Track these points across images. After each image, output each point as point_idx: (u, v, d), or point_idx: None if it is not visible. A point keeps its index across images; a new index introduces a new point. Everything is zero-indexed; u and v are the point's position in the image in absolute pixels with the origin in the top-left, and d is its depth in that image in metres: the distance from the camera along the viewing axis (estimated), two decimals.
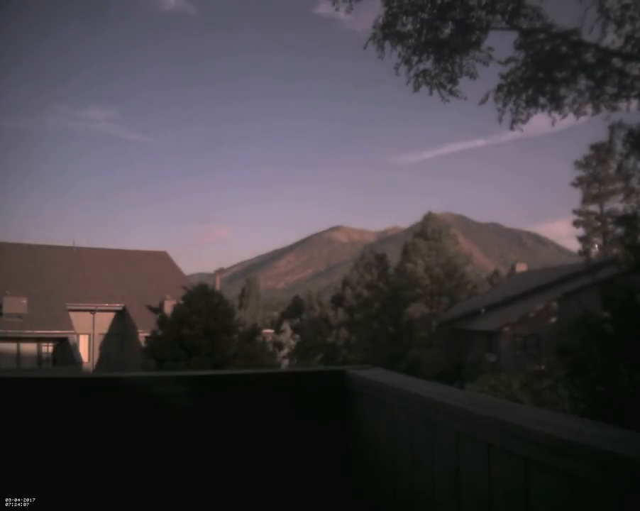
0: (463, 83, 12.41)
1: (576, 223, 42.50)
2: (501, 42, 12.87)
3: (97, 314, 33.12)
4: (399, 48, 12.14)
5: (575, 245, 45.72)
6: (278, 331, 43.23)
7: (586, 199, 41.74)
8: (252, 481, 2.33)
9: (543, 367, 21.51)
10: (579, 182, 41.74)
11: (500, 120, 12.43)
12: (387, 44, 12.10)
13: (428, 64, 12.31)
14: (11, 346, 28.24)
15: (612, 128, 13.47)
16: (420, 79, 12.27)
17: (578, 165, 41.28)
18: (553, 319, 28.52)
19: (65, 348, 28.73)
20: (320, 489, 2.38)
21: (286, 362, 36.47)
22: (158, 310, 30.25)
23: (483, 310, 32.88)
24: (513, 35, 12.30)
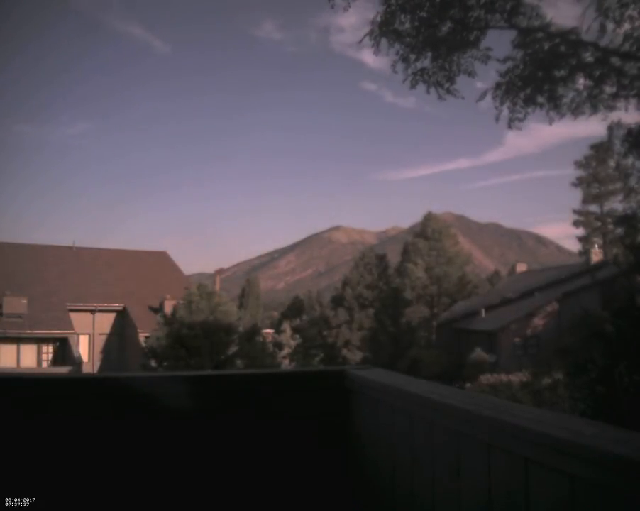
0: (461, 83, 12.42)
1: (576, 223, 42.55)
2: (500, 41, 12.88)
3: (97, 314, 33.12)
4: (396, 46, 12.14)
5: (575, 245, 45.64)
6: (278, 331, 43.19)
7: (586, 199, 41.78)
8: (252, 481, 2.33)
9: (543, 367, 21.52)
10: (579, 182, 41.79)
11: (497, 118, 12.44)
12: (384, 41, 12.10)
13: (425, 63, 12.31)
14: (11, 346, 28.24)
15: (611, 128, 13.47)
16: (417, 77, 12.26)
17: (578, 165, 41.35)
18: (553, 319, 28.54)
19: (65, 348, 28.74)
20: (320, 489, 2.38)
21: (286, 362, 36.45)
22: (158, 310, 30.25)
23: (483, 310, 32.89)
24: (511, 34, 12.31)
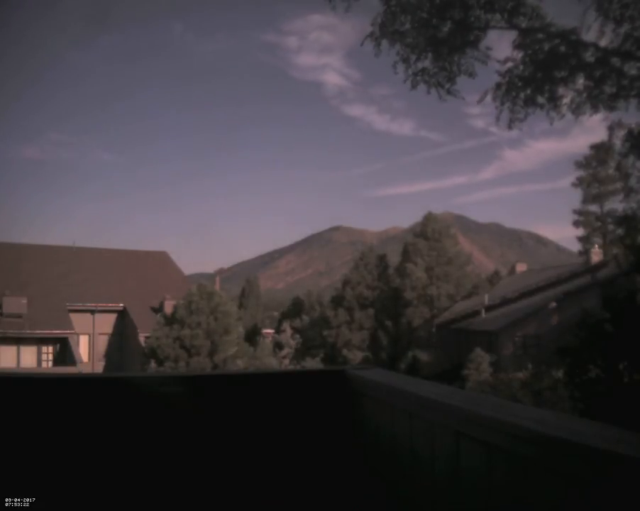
0: (462, 84, 12.44)
1: (576, 223, 42.55)
2: (500, 42, 12.90)
3: (97, 314, 33.13)
4: (397, 47, 12.17)
5: (575, 246, 45.67)
6: (278, 331, 43.21)
7: (586, 199, 41.78)
8: (251, 481, 2.33)
9: (543, 367, 21.53)
10: (579, 182, 41.79)
11: (498, 119, 12.46)
12: (385, 42, 12.11)
13: (426, 63, 12.33)
14: (11, 346, 28.25)
15: (611, 128, 13.49)
16: (418, 78, 12.29)
17: (578, 165, 41.35)
18: (553, 319, 28.54)
19: (65, 348, 28.75)
20: (319, 489, 2.38)
21: (286, 362, 36.45)
22: (158, 310, 30.27)
23: (483, 310, 32.90)
24: (512, 35, 12.32)
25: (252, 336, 27.40)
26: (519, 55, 12.29)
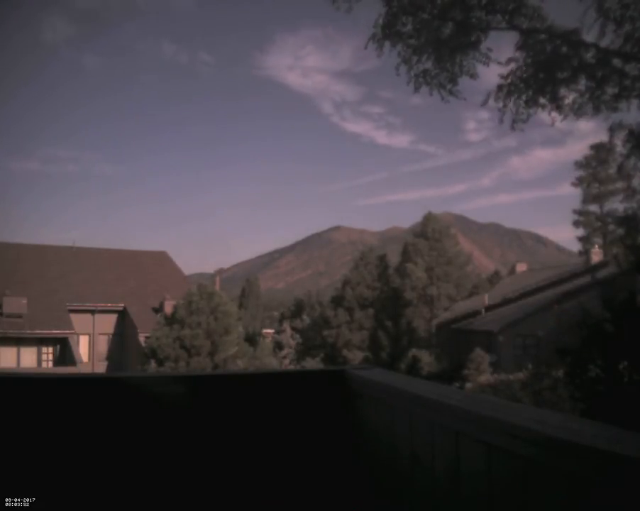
0: (464, 85, 12.44)
1: (576, 224, 42.55)
2: (502, 43, 12.90)
3: (97, 314, 33.12)
4: (399, 48, 12.17)
5: (575, 246, 45.69)
6: (278, 331, 43.20)
7: (586, 199, 41.77)
8: (251, 481, 2.33)
9: (543, 367, 21.53)
10: (579, 182, 41.78)
11: (501, 120, 12.46)
12: (387, 44, 12.12)
13: (428, 65, 12.33)
14: (11, 347, 28.25)
15: (612, 129, 13.48)
16: (420, 79, 12.29)
17: (578, 165, 41.34)
18: (553, 319, 28.53)
19: (65, 349, 28.75)
20: (319, 489, 2.38)
21: (286, 362, 36.44)
22: (158, 310, 30.27)
23: (483, 310, 32.89)
24: (513, 36, 12.33)
25: (253, 337, 27.38)
26: (520, 56, 12.30)
